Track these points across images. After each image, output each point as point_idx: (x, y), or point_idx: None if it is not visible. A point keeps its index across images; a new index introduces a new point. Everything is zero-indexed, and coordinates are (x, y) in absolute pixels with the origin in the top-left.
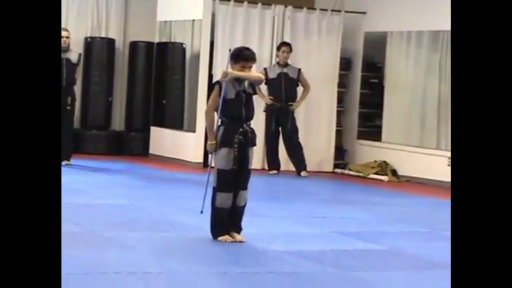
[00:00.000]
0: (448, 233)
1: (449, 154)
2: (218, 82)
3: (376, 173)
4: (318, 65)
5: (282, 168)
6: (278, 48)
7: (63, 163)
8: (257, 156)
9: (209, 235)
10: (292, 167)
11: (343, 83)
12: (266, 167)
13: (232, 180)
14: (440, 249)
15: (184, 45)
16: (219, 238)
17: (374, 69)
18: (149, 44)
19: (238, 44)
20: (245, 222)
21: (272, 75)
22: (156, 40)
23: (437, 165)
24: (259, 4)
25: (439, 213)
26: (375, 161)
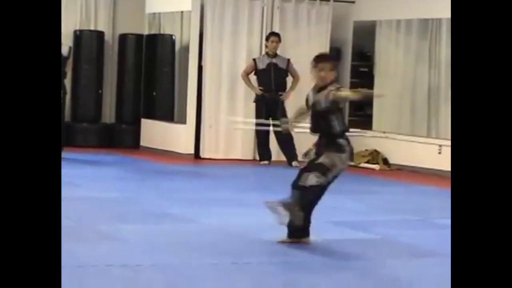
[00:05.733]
0: (440, 220)
1: (440, 142)
2: None
3: (368, 162)
4: (308, 55)
5: (273, 158)
6: (267, 38)
7: None
8: (248, 147)
9: (201, 226)
10: (283, 158)
11: None
12: (257, 158)
13: None
14: (432, 237)
15: (173, 37)
16: None
17: (364, 58)
18: (139, 36)
19: (227, 35)
20: (236, 213)
21: (261, 65)
22: (146, 32)
23: (428, 153)
24: None
25: (431, 201)
26: (366, 149)
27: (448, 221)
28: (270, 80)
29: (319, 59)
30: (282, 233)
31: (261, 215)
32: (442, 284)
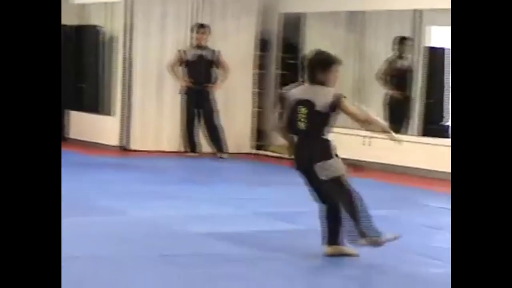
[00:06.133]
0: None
1: (364, 133)
2: None
3: None
4: (236, 46)
5: (202, 150)
6: (197, 31)
7: None
8: (175, 138)
9: (130, 218)
10: (211, 149)
11: (262, 65)
12: (185, 150)
13: None
14: None
15: (101, 28)
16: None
17: (292, 50)
18: (66, 27)
19: (155, 26)
20: (164, 205)
21: (190, 57)
22: (73, 23)
23: (352, 145)
24: None
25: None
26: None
27: (374, 212)
28: (199, 72)
29: (337, 60)
30: (210, 225)
31: (188, 207)
32: (368, 271)
